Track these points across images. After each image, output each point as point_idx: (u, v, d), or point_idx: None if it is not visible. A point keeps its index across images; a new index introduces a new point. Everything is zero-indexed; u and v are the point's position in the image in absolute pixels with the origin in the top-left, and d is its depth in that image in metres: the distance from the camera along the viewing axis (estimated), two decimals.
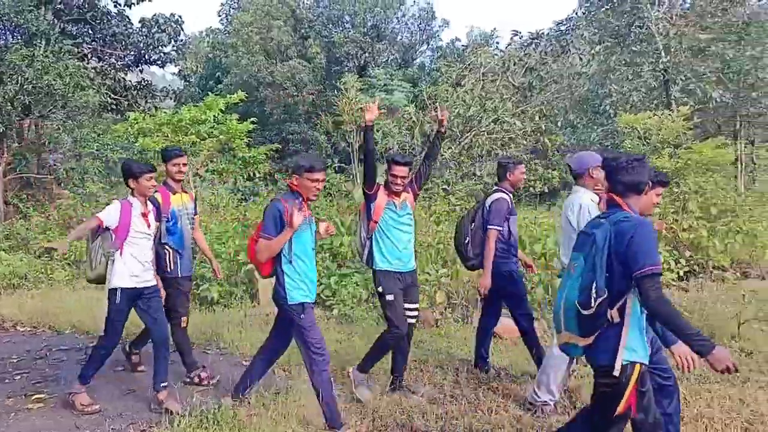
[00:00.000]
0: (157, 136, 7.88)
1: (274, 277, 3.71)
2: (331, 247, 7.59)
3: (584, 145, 12.84)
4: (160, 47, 16.78)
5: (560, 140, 13.32)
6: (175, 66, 22.28)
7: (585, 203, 3.92)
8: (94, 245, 3.97)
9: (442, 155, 7.95)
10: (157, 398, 3.97)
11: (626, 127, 9.31)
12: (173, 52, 17.42)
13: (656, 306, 2.46)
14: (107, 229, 3.85)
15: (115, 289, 3.86)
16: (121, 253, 3.88)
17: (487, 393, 4.44)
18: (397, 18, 28.25)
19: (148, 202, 4.06)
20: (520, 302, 4.70)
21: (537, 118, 9.07)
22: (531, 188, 11.26)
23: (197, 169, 10.00)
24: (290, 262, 3.63)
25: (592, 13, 12.42)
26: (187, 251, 4.56)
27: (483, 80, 8.84)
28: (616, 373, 2.56)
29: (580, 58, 10.79)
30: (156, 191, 4.27)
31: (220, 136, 7.73)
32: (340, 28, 26.83)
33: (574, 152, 3.75)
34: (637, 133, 9.17)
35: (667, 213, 8.65)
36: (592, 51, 11.73)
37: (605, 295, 2.53)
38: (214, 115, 7.39)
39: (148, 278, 3.99)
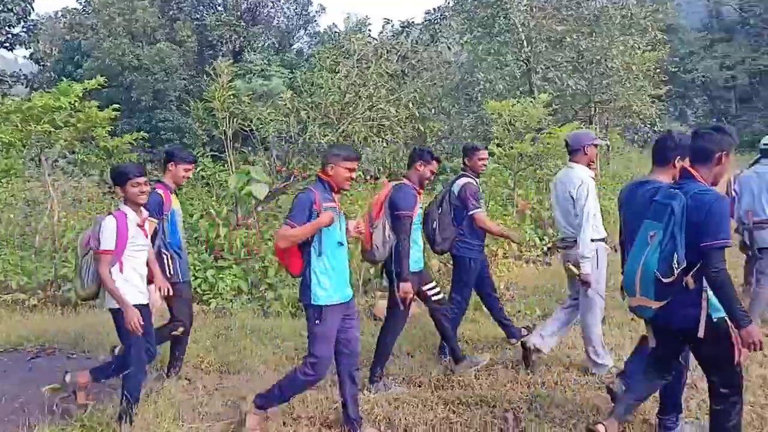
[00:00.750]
0: (5, 125, 7.12)
1: (302, 275, 3.50)
2: (208, 239, 7.34)
3: (457, 132, 13.39)
4: (6, 28, 15.11)
5: (438, 127, 13.81)
6: (27, 49, 20.31)
7: (585, 179, 4.25)
8: (85, 260, 3.63)
9: (319, 142, 7.94)
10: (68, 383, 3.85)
11: (493, 114, 9.78)
12: (23, 34, 15.78)
13: (718, 276, 2.67)
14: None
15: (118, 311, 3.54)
16: (121, 270, 3.53)
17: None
18: (273, 2, 27.60)
19: (143, 209, 3.73)
20: (462, 290, 4.96)
21: (411, 105, 9.33)
22: None
23: (53, 162, 9.22)
24: (320, 255, 3.44)
25: (461, 3, 12.93)
26: (184, 254, 4.31)
27: (358, 67, 8.91)
28: (701, 335, 2.78)
29: (449, 48, 11.26)
30: (155, 189, 4.05)
31: (78, 125, 7.14)
32: (212, 11, 25.76)
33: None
34: (503, 119, 9.67)
35: (530, 194, 9.27)
36: (462, 40, 12.28)
37: (685, 265, 2.70)
38: (70, 102, 6.80)
39: (145, 290, 3.73)
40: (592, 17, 12.05)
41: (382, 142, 8.58)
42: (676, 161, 3.24)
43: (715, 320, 2.81)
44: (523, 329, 5.31)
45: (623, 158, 17.77)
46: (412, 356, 5.03)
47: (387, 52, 9.64)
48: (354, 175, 3.57)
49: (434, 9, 13.85)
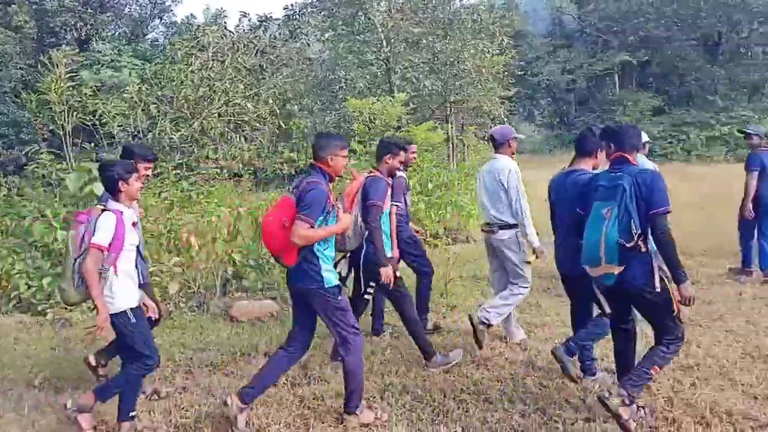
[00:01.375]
0: None
1: (300, 262, 3.45)
2: (45, 244, 6.69)
3: (320, 129, 13.43)
4: None
5: (304, 124, 13.74)
6: None
7: (513, 168, 4.77)
8: (79, 262, 3.29)
9: (171, 138, 7.56)
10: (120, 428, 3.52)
11: (355, 112, 9.94)
12: None
13: (664, 238, 3.24)
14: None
15: (124, 311, 3.38)
16: (116, 272, 3.36)
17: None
18: None
19: (136, 205, 3.62)
20: (423, 259, 5.38)
21: (271, 101, 9.19)
22: (279, 171, 11.58)
23: None
24: (326, 242, 3.52)
25: (321, 0, 12.98)
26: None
27: (213, 60, 8.60)
28: (657, 289, 3.29)
29: (308, 44, 11.29)
30: None
31: None
32: None
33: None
34: (364, 117, 9.86)
35: None
36: (323, 38, 12.36)
37: (640, 231, 3.24)
38: None
39: (137, 292, 3.57)
40: (447, 21, 12.66)
41: (241, 138, 8.37)
42: (597, 152, 3.93)
43: (657, 279, 3.31)
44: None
45: (479, 156, 18.94)
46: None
47: (244, 46, 9.40)
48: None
49: (292, 4, 13.79)
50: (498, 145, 4.90)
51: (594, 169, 3.98)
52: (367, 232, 4.18)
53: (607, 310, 3.74)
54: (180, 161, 7.54)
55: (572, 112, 39.48)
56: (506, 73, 14.99)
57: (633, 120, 29.76)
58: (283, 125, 9.64)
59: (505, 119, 15.94)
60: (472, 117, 15.41)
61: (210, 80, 8.03)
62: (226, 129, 8.08)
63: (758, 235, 6.68)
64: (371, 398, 4.01)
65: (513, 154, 4.95)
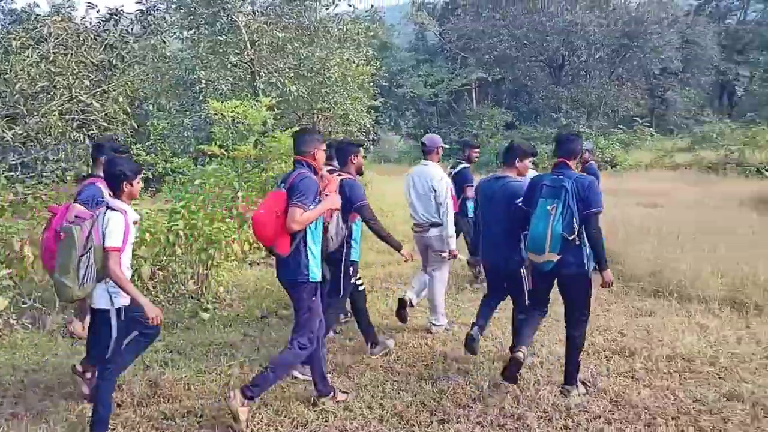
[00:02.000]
0: None
1: (292, 253, 3.63)
2: None
3: (179, 130, 12.77)
4: None
5: (162, 125, 12.93)
6: None
7: (443, 175, 5.42)
8: (85, 258, 3.29)
9: (3, 137, 6.73)
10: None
11: (216, 114, 9.55)
12: None
13: (595, 234, 3.87)
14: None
15: (121, 308, 3.47)
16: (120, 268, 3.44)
17: None
18: None
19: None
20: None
21: (121, 100, 8.54)
22: None
23: None
24: (314, 236, 3.71)
25: None
26: None
27: (55, 53, 7.81)
28: (589, 275, 4.01)
29: (165, 41, 10.69)
30: (92, 183, 4.13)
31: None
32: None
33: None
34: (226, 120, 9.51)
35: (251, 195, 9.28)
36: (182, 36, 11.77)
37: (579, 226, 3.86)
38: None
39: None
40: (312, 28, 12.64)
41: (85, 139, 7.67)
42: (517, 162, 4.53)
43: (586, 268, 3.97)
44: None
45: None
46: None
47: (91, 40, 8.66)
48: None
49: None
50: (427, 151, 5.48)
51: (519, 176, 4.58)
52: (346, 234, 4.38)
53: (530, 286, 4.36)
54: (14, 161, 6.72)
55: (435, 123, 41.25)
56: (372, 83, 15.30)
57: (488, 134, 31.83)
58: (136, 126, 9.00)
59: (371, 128, 16.25)
60: (340, 125, 15.51)
61: (50, 74, 7.27)
62: (69, 128, 7.36)
63: None
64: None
65: (439, 161, 5.56)
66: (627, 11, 33.30)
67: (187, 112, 12.43)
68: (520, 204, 4.26)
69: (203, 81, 11.39)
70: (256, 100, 10.51)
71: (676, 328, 5.32)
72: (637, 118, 31.32)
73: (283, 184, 3.70)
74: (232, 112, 9.45)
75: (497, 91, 39.93)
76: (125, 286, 3.37)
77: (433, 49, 43.03)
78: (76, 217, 3.48)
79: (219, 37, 11.57)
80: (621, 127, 30.60)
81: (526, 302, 4.37)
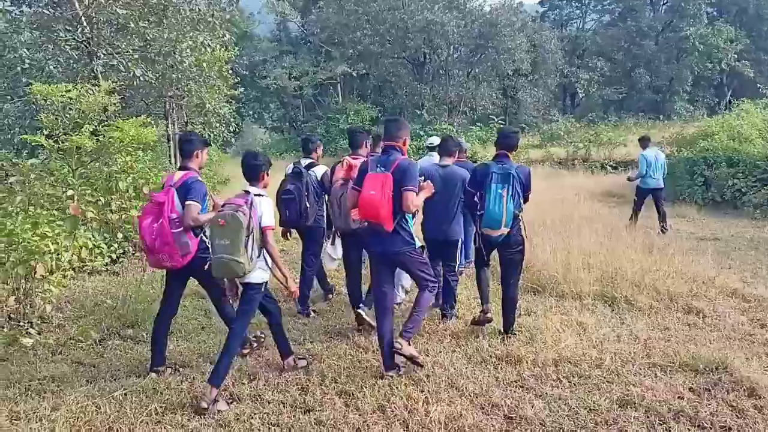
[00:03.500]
0: None
1: (395, 229, 4.21)
2: None
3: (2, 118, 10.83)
4: None
5: None
6: None
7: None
8: (250, 238, 3.87)
9: None
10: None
11: (44, 100, 8.09)
12: None
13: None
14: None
15: (264, 282, 4.12)
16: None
17: None
18: None
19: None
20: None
21: None
22: None
23: None
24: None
25: None
26: None
27: None
28: (525, 241, 5.02)
29: None
30: (196, 178, 4.39)
31: None
32: None
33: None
34: (55, 106, 8.08)
35: (84, 195, 8.00)
36: None
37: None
38: None
39: None
40: (160, 6, 11.31)
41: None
42: (458, 152, 5.82)
43: (524, 234, 4.98)
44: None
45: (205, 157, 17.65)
46: None
47: None
48: None
49: None
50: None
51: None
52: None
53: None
54: None
55: (301, 117, 40.34)
56: (232, 71, 14.18)
57: None
58: None
59: (232, 119, 15.10)
60: (197, 114, 14.20)
61: None
62: None
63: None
64: None
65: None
66: (482, 13, 34.78)
67: (9, 97, 10.54)
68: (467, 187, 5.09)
69: (26, 61, 9.66)
70: (94, 85, 9.10)
71: (557, 328, 5.15)
72: (493, 116, 32.89)
73: (383, 168, 4.20)
74: (62, 96, 8.03)
75: (362, 86, 39.94)
76: (278, 260, 4.07)
77: (297, 41, 42.01)
78: (228, 204, 3.98)
79: (45, 11, 9.89)
80: (479, 124, 31.90)
81: (457, 268, 5.74)
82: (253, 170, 4.18)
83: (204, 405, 3.74)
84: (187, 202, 4.17)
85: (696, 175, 14.54)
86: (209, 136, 17.24)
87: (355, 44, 32.99)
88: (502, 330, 5.14)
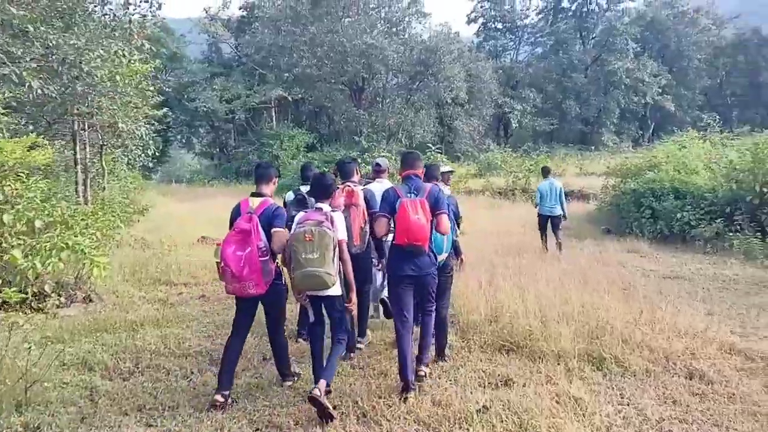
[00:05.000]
0: None
1: (427, 251, 4.62)
2: None
3: None
4: None
5: None
6: None
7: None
8: (335, 253, 4.22)
9: None
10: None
11: None
12: None
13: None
14: None
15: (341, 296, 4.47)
16: None
17: None
18: None
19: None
20: None
21: None
22: None
23: None
24: None
25: None
26: None
27: None
28: (456, 268, 5.66)
29: None
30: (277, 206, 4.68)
31: None
32: None
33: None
34: None
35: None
36: None
37: None
38: None
39: None
40: (67, 9, 9.81)
41: None
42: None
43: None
44: None
45: (119, 182, 15.92)
46: None
47: None
48: None
49: None
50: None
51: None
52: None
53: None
54: None
55: (232, 142, 38.65)
56: (153, 87, 12.69)
57: (289, 155, 30.27)
58: None
59: (151, 142, 13.55)
60: (110, 136, 12.59)
61: None
62: None
63: None
64: None
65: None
66: (421, 40, 34.56)
67: None
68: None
69: None
70: None
71: (547, 405, 4.11)
72: (430, 145, 32.40)
73: (415, 194, 4.58)
74: None
75: (298, 111, 38.75)
76: (350, 272, 4.43)
77: (229, 63, 40.43)
78: (308, 220, 4.30)
79: None
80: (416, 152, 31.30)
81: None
82: (325, 189, 4.56)
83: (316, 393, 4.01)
84: (276, 229, 4.35)
85: (643, 207, 14.18)
86: (127, 160, 15.56)
87: (292, 67, 31.91)
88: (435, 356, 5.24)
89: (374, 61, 30.63)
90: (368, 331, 6.02)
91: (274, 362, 4.91)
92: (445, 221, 4.56)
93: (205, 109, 33.48)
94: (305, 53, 31.05)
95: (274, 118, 37.05)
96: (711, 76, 55.16)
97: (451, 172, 8.39)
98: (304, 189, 5.97)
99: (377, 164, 6.44)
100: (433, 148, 31.04)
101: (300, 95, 33.63)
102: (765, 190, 12.02)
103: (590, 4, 52.44)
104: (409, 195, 4.56)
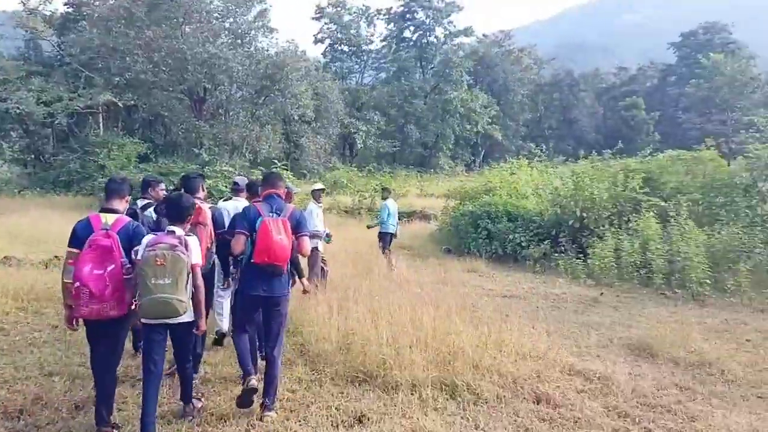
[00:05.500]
0: None
1: (285, 272, 4.63)
2: None
3: None
4: None
5: None
6: None
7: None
8: (189, 277, 4.01)
9: None
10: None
11: None
12: None
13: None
14: None
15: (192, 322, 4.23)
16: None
17: None
18: None
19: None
20: None
21: None
22: None
23: None
24: None
25: None
26: None
27: None
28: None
29: None
30: None
31: None
32: None
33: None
34: None
35: None
36: None
37: None
38: None
39: None
40: None
41: None
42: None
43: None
44: None
45: None
46: None
47: None
48: None
49: None
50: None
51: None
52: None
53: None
54: None
55: (49, 149, 34.56)
56: None
57: (119, 165, 27.64)
58: None
59: None
60: None
61: None
62: None
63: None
64: None
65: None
66: (268, 54, 33.83)
67: None
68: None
69: None
70: None
71: None
72: (276, 161, 31.71)
73: (278, 214, 4.55)
74: None
75: (130, 118, 35.75)
76: (202, 299, 4.19)
77: (50, 62, 36.17)
78: (159, 243, 3.97)
79: None
80: (261, 168, 30.46)
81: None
82: (181, 212, 4.29)
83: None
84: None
85: (480, 228, 14.94)
86: None
87: (124, 71, 29.33)
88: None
89: (217, 71, 29.26)
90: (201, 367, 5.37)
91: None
92: (306, 243, 4.62)
93: (18, 111, 29.45)
94: (140, 57, 28.71)
95: (101, 125, 33.74)
96: (532, 110, 61.30)
97: (322, 190, 8.91)
98: (141, 203, 5.84)
99: (236, 183, 6.33)
100: (279, 164, 30.41)
101: (133, 101, 31.00)
102: (584, 214, 13.26)
103: (429, 36, 55.63)
104: (270, 214, 4.50)
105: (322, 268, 8.72)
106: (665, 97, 62.30)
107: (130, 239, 4.10)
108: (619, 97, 61.99)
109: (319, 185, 9.00)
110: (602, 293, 10.13)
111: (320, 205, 8.83)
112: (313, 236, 7.83)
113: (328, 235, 8.89)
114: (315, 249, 8.01)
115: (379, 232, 12.43)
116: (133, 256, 4.02)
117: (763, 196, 12.95)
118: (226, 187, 24.42)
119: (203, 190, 5.56)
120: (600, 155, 16.86)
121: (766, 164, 13.06)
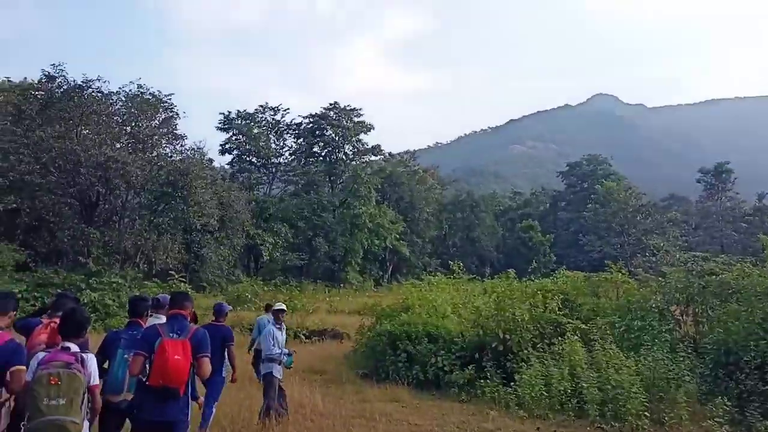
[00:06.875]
0: None
1: (184, 395, 4.43)
2: None
3: None
4: None
5: None
6: None
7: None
8: (85, 398, 3.84)
9: None
10: None
11: None
12: None
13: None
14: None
15: None
16: None
17: None
18: None
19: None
20: None
21: None
22: None
23: None
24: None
25: None
26: None
27: None
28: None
29: None
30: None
31: None
32: None
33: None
34: None
35: None
36: None
37: None
38: None
39: None
40: None
41: None
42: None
43: None
44: None
45: None
46: None
47: None
48: None
49: None
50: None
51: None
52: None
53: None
54: None
55: None
56: None
57: None
58: None
59: None
60: None
61: None
62: None
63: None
64: None
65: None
66: (172, 161, 32.53)
67: None
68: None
69: None
70: None
71: None
72: (173, 272, 29.42)
73: (178, 335, 4.39)
74: None
75: (11, 223, 32.39)
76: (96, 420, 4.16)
77: None
78: (52, 361, 3.77)
79: None
80: (155, 279, 28.07)
81: None
82: (77, 326, 4.13)
83: None
84: (19, 368, 3.87)
85: (399, 350, 13.82)
86: None
87: (6, 172, 26.79)
88: None
89: (114, 175, 27.42)
90: None
91: None
92: (206, 365, 4.46)
93: None
94: (26, 157, 26.45)
95: None
96: (437, 228, 63.07)
97: (283, 311, 8.73)
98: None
99: (156, 299, 6.21)
100: (177, 276, 28.17)
101: (14, 204, 28.16)
102: (507, 336, 12.57)
103: (338, 152, 56.93)
104: (171, 335, 4.37)
105: (281, 392, 8.08)
106: (557, 221, 66.59)
107: (7, 358, 3.88)
108: (516, 219, 65.52)
109: (280, 305, 8.83)
110: (538, 428, 9.21)
111: (279, 326, 8.51)
112: (270, 360, 7.71)
113: (288, 355, 8.25)
114: (269, 374, 7.68)
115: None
116: (8, 379, 3.79)
117: (677, 321, 12.97)
118: (113, 300, 21.93)
119: (146, 317, 5.49)
120: (505, 273, 16.56)
121: (677, 288, 13.18)
